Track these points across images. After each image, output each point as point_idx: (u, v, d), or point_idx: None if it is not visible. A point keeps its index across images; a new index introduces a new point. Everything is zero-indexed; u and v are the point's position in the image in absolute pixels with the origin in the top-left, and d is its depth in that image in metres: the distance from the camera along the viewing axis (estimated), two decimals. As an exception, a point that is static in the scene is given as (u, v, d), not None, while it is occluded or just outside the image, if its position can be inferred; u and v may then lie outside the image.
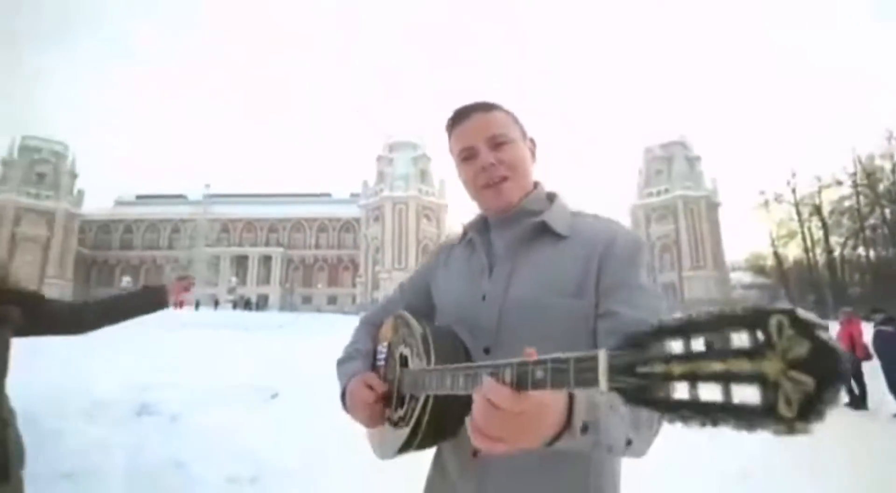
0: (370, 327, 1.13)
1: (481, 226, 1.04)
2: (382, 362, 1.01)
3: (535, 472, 0.82)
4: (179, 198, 76.11)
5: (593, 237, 0.90)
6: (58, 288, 57.47)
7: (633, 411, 0.64)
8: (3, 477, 1.42)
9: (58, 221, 59.78)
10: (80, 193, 64.59)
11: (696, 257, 58.83)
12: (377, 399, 0.91)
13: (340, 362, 1.07)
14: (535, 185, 1.02)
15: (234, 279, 59.29)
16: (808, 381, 0.28)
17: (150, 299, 1.86)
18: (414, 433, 0.81)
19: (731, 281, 62.98)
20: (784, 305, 0.30)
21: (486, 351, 0.88)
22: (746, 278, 63.19)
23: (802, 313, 0.30)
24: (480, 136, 0.96)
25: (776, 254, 48.84)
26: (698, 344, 0.33)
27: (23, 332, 1.62)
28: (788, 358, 0.29)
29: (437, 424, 0.78)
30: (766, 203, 47.19)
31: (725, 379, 0.31)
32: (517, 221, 0.96)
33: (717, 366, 0.32)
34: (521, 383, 0.51)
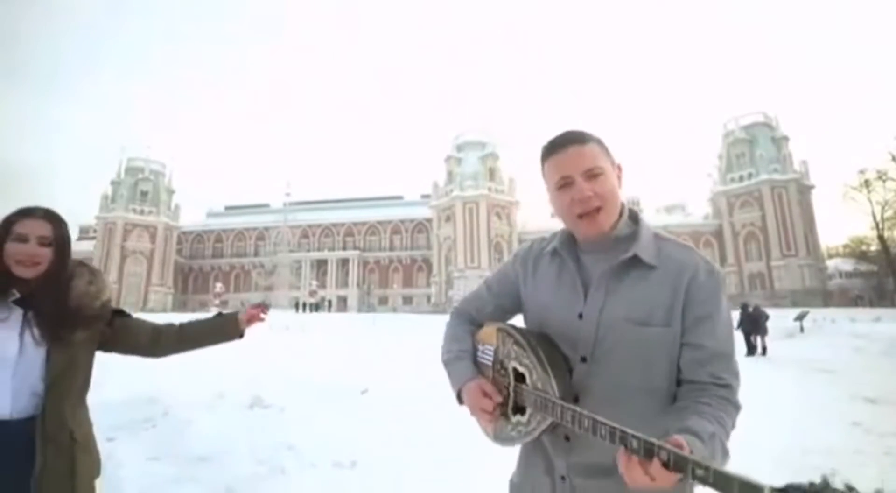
0: (468, 326, 1.26)
1: (570, 244, 1.13)
2: (488, 364, 1.13)
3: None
4: (263, 207, 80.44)
5: (679, 268, 1.02)
6: (161, 295, 63.47)
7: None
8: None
9: (159, 234, 65.19)
10: (177, 207, 70.31)
11: (786, 245, 54.80)
12: (496, 408, 1.06)
13: (450, 362, 1.17)
14: (622, 208, 1.10)
15: (314, 283, 61.88)
16: None
17: (223, 330, 1.78)
18: (534, 438, 1.03)
19: (828, 269, 58.37)
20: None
21: (583, 359, 1.04)
22: (847, 265, 58.41)
23: None
24: (578, 168, 1.04)
25: (881, 238, 44.75)
26: None
27: (105, 349, 1.58)
28: None
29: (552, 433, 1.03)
30: (867, 183, 43.48)
31: None
32: (610, 249, 1.07)
33: None
34: (658, 457, 0.70)
